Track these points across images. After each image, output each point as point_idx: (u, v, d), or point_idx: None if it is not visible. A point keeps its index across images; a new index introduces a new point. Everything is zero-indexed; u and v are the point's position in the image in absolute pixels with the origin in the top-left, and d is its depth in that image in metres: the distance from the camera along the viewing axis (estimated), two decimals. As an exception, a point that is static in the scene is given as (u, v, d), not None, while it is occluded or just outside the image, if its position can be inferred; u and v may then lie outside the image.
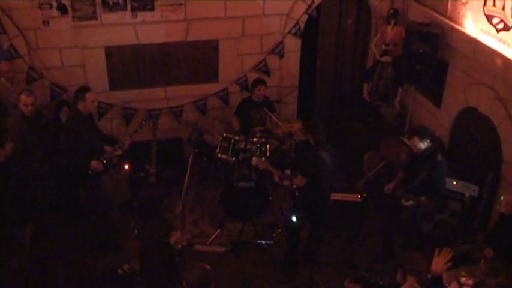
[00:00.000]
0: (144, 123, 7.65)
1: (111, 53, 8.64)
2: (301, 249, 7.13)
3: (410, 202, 6.58)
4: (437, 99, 8.22)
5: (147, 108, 8.99)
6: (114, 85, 8.88)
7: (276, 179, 6.89)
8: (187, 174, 7.01)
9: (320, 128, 6.65)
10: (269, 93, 8.82)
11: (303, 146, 6.97)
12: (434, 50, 7.87)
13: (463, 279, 5.57)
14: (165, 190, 7.77)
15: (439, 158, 6.50)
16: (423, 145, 6.49)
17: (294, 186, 6.60)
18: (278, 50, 9.17)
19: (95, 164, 6.89)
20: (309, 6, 9.00)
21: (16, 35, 8.05)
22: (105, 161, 6.99)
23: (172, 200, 7.51)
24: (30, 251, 6.66)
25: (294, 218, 6.54)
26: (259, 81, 8.52)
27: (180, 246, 7.12)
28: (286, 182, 6.78)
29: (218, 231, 7.81)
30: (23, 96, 6.95)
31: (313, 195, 6.60)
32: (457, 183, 7.31)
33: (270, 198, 7.76)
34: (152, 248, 5.75)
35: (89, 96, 6.93)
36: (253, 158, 7.44)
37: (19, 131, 6.81)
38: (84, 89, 7.00)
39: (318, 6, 9.27)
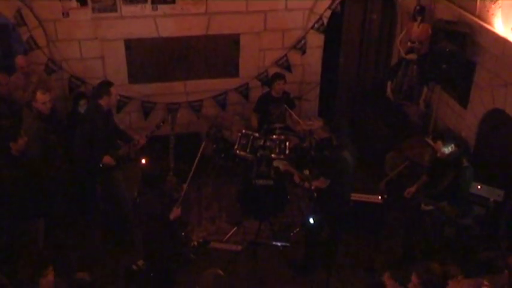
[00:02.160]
0: (162, 124, 7.60)
1: (130, 45, 8.63)
2: (320, 251, 7.04)
3: (430, 207, 6.46)
4: (463, 99, 8.05)
5: (166, 102, 8.98)
6: (133, 78, 8.87)
7: (297, 180, 6.81)
8: (196, 160, 6.88)
9: (344, 128, 6.56)
10: (290, 90, 8.77)
11: (325, 145, 6.87)
12: (461, 49, 7.69)
13: (485, 288, 5.44)
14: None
15: (465, 163, 6.36)
16: (447, 150, 6.38)
17: (313, 188, 6.52)
18: (300, 46, 9.07)
19: (107, 159, 6.89)
20: (333, 1, 8.89)
21: (35, 27, 8.08)
22: (118, 157, 6.97)
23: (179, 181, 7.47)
24: (44, 245, 6.67)
25: (311, 220, 6.46)
26: (278, 76, 8.46)
27: (195, 243, 7.16)
28: (307, 184, 6.69)
29: (235, 228, 7.76)
30: (39, 95, 6.88)
31: (335, 197, 6.51)
32: (481, 187, 7.15)
33: (288, 197, 7.69)
34: (150, 217, 5.82)
35: (114, 90, 6.94)
36: (275, 159, 7.34)
37: (37, 132, 6.76)
38: (109, 84, 6.99)
39: (342, 1, 9.16)
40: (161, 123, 7.63)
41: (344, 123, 6.74)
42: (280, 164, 7.00)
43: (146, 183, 5.88)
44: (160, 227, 5.82)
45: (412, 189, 6.82)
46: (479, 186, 7.15)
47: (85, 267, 6.91)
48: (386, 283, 4.85)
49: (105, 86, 6.95)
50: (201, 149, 6.68)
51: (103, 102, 6.88)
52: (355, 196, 7.36)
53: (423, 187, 6.79)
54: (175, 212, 5.91)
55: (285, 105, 8.42)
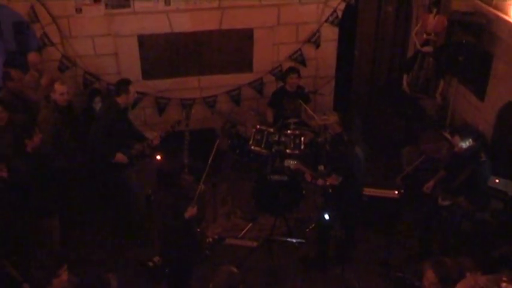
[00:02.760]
0: (177, 124, 7.59)
1: (144, 41, 8.65)
2: (335, 247, 7.01)
3: (447, 202, 6.40)
4: (480, 92, 7.96)
5: (180, 97, 8.98)
6: (147, 74, 8.89)
7: (309, 178, 6.78)
8: (211, 157, 6.86)
9: (356, 124, 6.51)
10: (304, 84, 8.74)
11: (338, 141, 6.83)
12: (478, 41, 7.61)
13: (503, 285, 5.36)
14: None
15: (483, 158, 6.29)
16: (464, 144, 6.31)
17: (328, 184, 6.48)
18: (314, 39, 9.03)
19: (120, 156, 6.90)
20: (347, -7, 8.83)
21: (49, 23, 8.12)
22: (131, 155, 6.99)
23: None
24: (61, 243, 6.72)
25: (326, 216, 6.42)
26: (291, 70, 8.45)
27: (210, 240, 7.17)
28: (319, 181, 6.66)
29: (250, 225, 7.75)
30: (57, 86, 6.95)
31: (348, 193, 6.48)
32: (499, 180, 7.06)
33: (304, 192, 7.66)
34: (164, 215, 5.80)
35: (132, 88, 6.96)
36: (290, 155, 7.31)
37: (52, 125, 6.83)
38: (128, 82, 6.98)
39: (357, -6, 9.11)
40: (176, 124, 7.60)
41: (356, 118, 6.66)
42: (290, 164, 6.95)
43: (161, 180, 5.87)
44: (176, 225, 5.81)
45: (430, 184, 6.76)
46: (497, 180, 7.06)
47: (100, 263, 7.02)
48: (427, 275, 4.74)
49: (125, 84, 6.95)
50: (215, 146, 6.65)
51: (120, 100, 6.89)
52: (370, 191, 7.35)
53: (440, 182, 6.70)
54: (191, 211, 5.90)
55: (300, 100, 8.38)
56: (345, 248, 6.95)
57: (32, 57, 7.78)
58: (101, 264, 7.01)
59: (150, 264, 7.02)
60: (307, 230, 7.64)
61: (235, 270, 4.61)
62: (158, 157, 7.88)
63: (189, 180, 6.81)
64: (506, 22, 7.24)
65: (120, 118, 7.00)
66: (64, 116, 7.07)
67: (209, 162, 6.38)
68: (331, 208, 6.51)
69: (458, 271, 4.84)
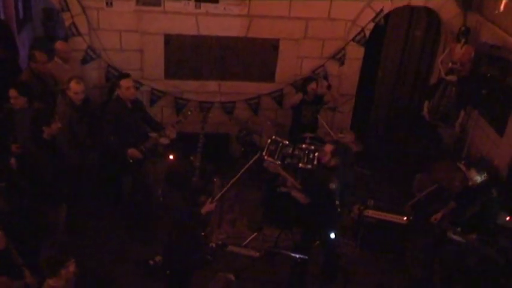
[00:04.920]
0: (189, 113, 7.65)
1: (170, 41, 8.69)
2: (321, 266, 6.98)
3: (458, 238, 6.35)
4: (500, 127, 7.89)
5: (199, 100, 9.01)
6: (169, 73, 8.94)
7: (288, 184, 6.75)
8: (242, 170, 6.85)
9: (347, 156, 6.47)
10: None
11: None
12: (503, 75, 7.57)
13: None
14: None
15: (494, 194, 6.25)
16: (479, 178, 6.29)
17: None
18: (339, 57, 9.01)
19: (132, 151, 6.97)
20: (377, 14, 8.79)
21: (79, 13, 8.19)
22: (144, 149, 7.03)
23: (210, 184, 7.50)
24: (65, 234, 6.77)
25: (332, 235, 6.40)
26: (311, 79, 8.49)
27: (213, 245, 7.16)
28: (294, 192, 6.63)
29: (255, 234, 7.73)
30: (73, 84, 6.98)
31: (320, 217, 6.50)
32: (510, 218, 6.99)
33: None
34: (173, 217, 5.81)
35: (123, 83, 7.04)
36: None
37: (68, 121, 6.87)
38: (120, 76, 7.07)
39: (387, 15, 9.07)
40: (189, 112, 7.68)
41: (350, 151, 6.65)
42: (269, 166, 6.89)
43: (170, 182, 5.88)
44: (184, 227, 5.82)
45: (439, 215, 6.73)
46: (507, 218, 6.99)
47: (103, 257, 7.06)
48: None
49: (117, 78, 7.06)
50: (251, 161, 6.66)
51: (120, 94, 7.01)
52: (379, 214, 7.32)
53: (450, 213, 6.66)
54: (209, 207, 5.88)
55: (319, 117, 8.40)
56: (331, 268, 6.89)
57: (59, 45, 7.86)
58: (103, 257, 7.06)
59: (151, 262, 7.06)
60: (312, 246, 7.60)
61: (233, 278, 4.62)
62: (171, 157, 7.93)
63: (199, 183, 6.86)
64: (533, 60, 7.20)
65: (127, 112, 7.07)
66: (79, 113, 7.12)
67: (240, 173, 6.37)
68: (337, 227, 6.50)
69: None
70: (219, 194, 6.28)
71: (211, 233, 7.56)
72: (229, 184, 6.30)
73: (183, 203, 5.71)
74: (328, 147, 6.37)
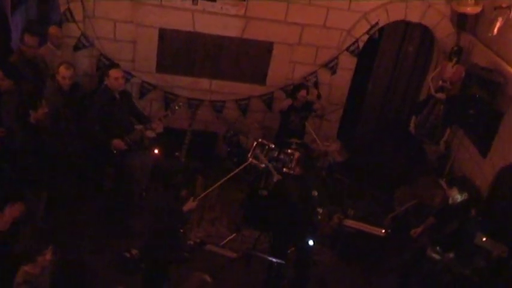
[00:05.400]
0: (177, 108, 7.64)
1: (164, 35, 8.67)
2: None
3: (437, 256, 6.40)
4: (484, 148, 7.96)
5: (189, 96, 9.00)
6: (161, 67, 8.91)
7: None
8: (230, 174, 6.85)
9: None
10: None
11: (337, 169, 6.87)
12: (491, 98, 7.63)
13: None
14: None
15: (473, 214, 6.31)
16: (459, 197, 6.36)
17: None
18: (332, 65, 9.05)
19: (117, 142, 6.93)
20: (372, 26, 8.88)
21: (75, -1, 8.14)
22: (129, 141, 7.00)
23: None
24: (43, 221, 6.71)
25: (310, 242, 6.40)
26: (302, 86, 8.52)
27: (191, 243, 7.14)
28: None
29: (234, 235, 7.74)
30: (62, 69, 6.98)
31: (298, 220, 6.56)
32: (486, 239, 7.02)
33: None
34: (160, 213, 5.82)
35: (112, 73, 7.03)
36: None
37: (54, 105, 6.85)
38: (110, 65, 7.04)
39: (381, 29, 9.13)
40: (176, 107, 7.66)
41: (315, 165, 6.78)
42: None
43: (156, 177, 5.87)
44: (163, 223, 5.80)
45: (419, 230, 6.78)
46: (484, 239, 7.03)
47: (81, 246, 7.01)
48: None
49: (107, 67, 7.02)
50: (240, 167, 6.69)
51: (108, 83, 6.98)
52: (358, 225, 7.34)
53: (429, 229, 6.71)
54: (190, 205, 5.89)
55: (306, 124, 8.46)
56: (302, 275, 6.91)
57: (53, 30, 7.81)
58: (81, 247, 7.02)
59: (127, 255, 7.02)
60: (288, 251, 7.61)
61: (208, 279, 4.60)
62: (156, 151, 7.93)
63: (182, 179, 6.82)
64: (522, 85, 7.28)
65: (114, 103, 7.04)
66: (66, 99, 7.09)
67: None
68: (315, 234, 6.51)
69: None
70: (203, 194, 6.27)
71: (190, 230, 7.55)
72: (214, 186, 6.32)
73: (166, 199, 5.69)
74: (334, 146, 6.45)
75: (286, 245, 6.79)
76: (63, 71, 6.97)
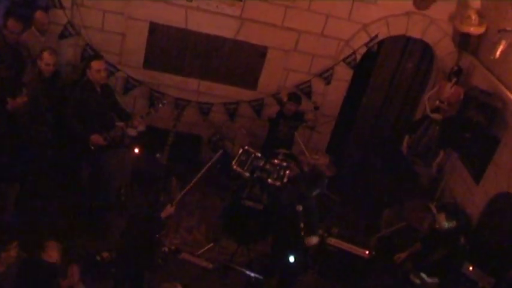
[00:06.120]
0: (161, 105, 7.61)
1: (155, 30, 8.65)
2: None
3: (419, 281, 6.43)
4: (478, 174, 8.00)
5: (175, 96, 8.97)
6: (148, 63, 8.88)
7: None
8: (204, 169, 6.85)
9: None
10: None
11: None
12: (489, 123, 7.68)
13: None
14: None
15: (462, 242, 6.35)
16: (447, 224, 6.40)
17: None
18: (326, 75, 9.08)
19: (95, 137, 6.88)
20: (372, 39, 8.93)
21: (64, -15, 8.10)
22: (108, 138, 6.95)
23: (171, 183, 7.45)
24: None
25: (291, 258, 6.37)
26: (291, 98, 8.53)
27: (166, 249, 7.12)
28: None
29: (211, 245, 7.72)
30: (46, 54, 6.94)
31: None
32: (473, 269, 7.10)
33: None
34: (138, 218, 5.80)
35: (94, 64, 6.99)
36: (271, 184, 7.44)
37: (33, 91, 6.79)
38: (92, 57, 6.99)
39: (380, 42, 9.18)
40: (160, 105, 7.62)
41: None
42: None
43: (136, 180, 5.85)
44: (140, 227, 5.78)
45: (403, 255, 6.81)
46: (470, 268, 7.09)
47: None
48: None
49: (89, 59, 6.98)
50: (213, 159, 6.67)
51: (90, 76, 6.96)
52: (342, 244, 7.37)
53: (414, 255, 6.74)
54: (168, 211, 5.88)
55: (296, 134, 8.48)
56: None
57: (39, 15, 7.72)
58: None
59: (98, 258, 6.97)
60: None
61: (179, 288, 4.58)
62: (136, 150, 7.87)
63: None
64: (521, 112, 7.35)
65: (94, 96, 7.00)
66: (46, 85, 7.05)
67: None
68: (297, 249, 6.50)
69: None
70: (179, 196, 6.25)
71: (165, 236, 7.50)
72: (189, 186, 6.29)
73: (144, 204, 5.68)
74: (322, 159, 6.47)
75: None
76: (47, 57, 6.93)
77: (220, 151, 7.08)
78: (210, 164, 6.60)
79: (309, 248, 6.50)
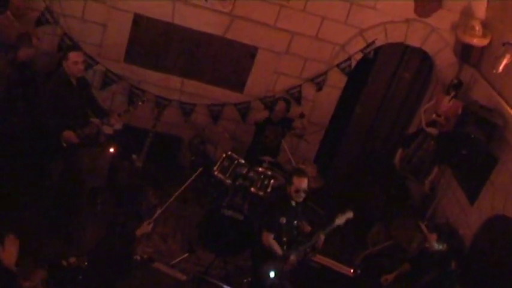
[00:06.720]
0: (140, 103, 7.50)
1: (139, 22, 8.53)
2: None
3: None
4: (473, 194, 7.91)
5: (156, 93, 8.83)
6: (130, 57, 8.75)
7: None
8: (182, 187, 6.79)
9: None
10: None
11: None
12: (488, 140, 7.59)
13: None
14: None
15: (453, 266, 6.25)
16: (437, 246, 6.30)
17: None
18: (319, 81, 8.99)
19: (68, 134, 6.70)
20: (368, 45, 8.86)
21: (43, -31, 7.94)
22: (82, 135, 6.79)
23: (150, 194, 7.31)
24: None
25: (272, 274, 6.20)
26: (279, 98, 8.53)
27: (139, 258, 6.94)
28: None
29: (186, 255, 7.58)
30: (72, 54, 6.79)
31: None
32: (464, 293, 7.01)
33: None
34: (112, 234, 5.78)
35: (71, 55, 6.83)
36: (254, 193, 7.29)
37: (5, 80, 6.64)
38: (70, 47, 6.86)
39: (377, 49, 9.08)
40: (139, 102, 7.52)
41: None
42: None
43: (114, 191, 5.73)
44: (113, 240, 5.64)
45: (390, 277, 6.70)
46: (461, 292, 7.01)
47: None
48: None
49: (66, 49, 6.87)
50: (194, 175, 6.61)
51: (66, 67, 6.81)
52: (325, 260, 7.25)
53: (402, 276, 6.63)
54: (145, 228, 5.78)
55: (283, 141, 8.40)
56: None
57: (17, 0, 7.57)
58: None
59: (64, 263, 6.77)
60: (245, 281, 7.45)
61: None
62: (112, 149, 7.72)
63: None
64: (522, 130, 7.27)
65: (69, 89, 6.84)
66: (20, 74, 6.89)
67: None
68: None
69: None
70: (156, 215, 6.16)
71: (137, 243, 7.32)
72: (167, 203, 6.25)
73: (119, 216, 5.57)
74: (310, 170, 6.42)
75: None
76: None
77: (200, 169, 6.99)
78: (188, 182, 6.52)
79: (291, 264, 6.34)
